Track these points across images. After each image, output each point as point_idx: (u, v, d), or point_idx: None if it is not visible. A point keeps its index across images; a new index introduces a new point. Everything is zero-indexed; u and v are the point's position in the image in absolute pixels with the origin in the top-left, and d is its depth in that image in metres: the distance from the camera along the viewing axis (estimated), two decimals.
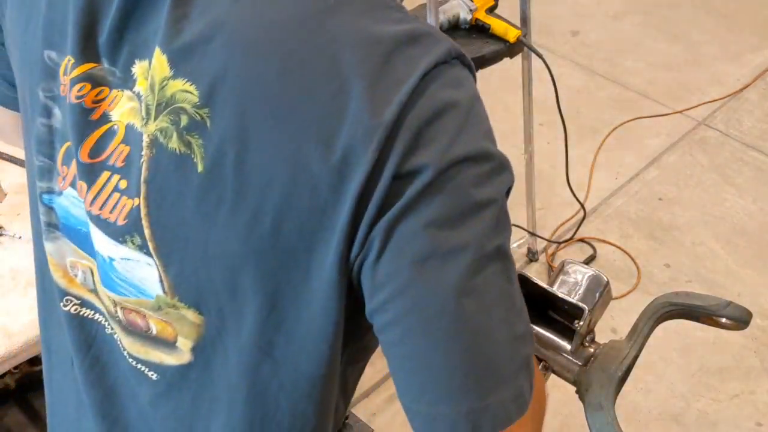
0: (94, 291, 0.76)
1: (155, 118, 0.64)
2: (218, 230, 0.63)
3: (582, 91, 3.07)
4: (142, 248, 0.67)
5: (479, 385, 0.60)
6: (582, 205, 2.42)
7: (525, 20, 1.99)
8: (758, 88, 3.08)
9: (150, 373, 0.74)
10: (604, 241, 2.46)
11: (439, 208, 0.58)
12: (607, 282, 0.84)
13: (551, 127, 2.60)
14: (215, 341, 0.68)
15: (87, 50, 0.67)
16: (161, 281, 0.67)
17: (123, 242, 0.68)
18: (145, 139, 0.65)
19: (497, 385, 0.61)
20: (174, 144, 0.63)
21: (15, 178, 1.38)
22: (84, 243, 0.74)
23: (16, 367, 1.75)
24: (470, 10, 1.93)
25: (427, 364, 0.60)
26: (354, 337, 0.69)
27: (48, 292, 0.81)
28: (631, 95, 3.05)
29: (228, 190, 0.61)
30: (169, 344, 0.71)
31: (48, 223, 0.76)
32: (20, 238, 1.26)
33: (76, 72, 0.68)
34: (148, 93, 0.64)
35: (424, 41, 0.61)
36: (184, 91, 0.62)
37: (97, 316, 0.78)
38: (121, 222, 0.67)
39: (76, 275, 0.77)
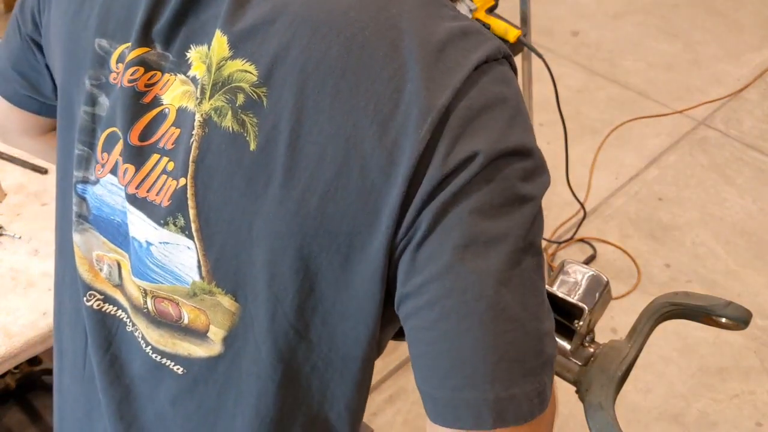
0: (119, 286, 0.76)
1: (210, 98, 0.65)
2: (265, 210, 0.64)
3: (582, 91, 3.07)
4: (185, 230, 0.67)
5: (507, 375, 0.60)
6: (582, 205, 2.42)
7: (525, 20, 1.99)
8: (758, 88, 3.08)
9: (176, 368, 0.74)
10: (604, 241, 2.46)
11: (486, 196, 0.60)
12: (607, 282, 0.84)
13: (551, 127, 2.60)
14: (247, 331, 0.69)
15: (143, 36, 0.69)
16: (199, 266, 0.68)
17: (164, 224, 0.68)
18: (198, 118, 0.66)
19: (524, 378, 0.61)
20: (228, 122, 0.64)
21: (15, 178, 1.38)
22: (115, 234, 0.74)
23: (16, 367, 1.75)
24: (470, 10, 1.93)
25: (458, 348, 0.60)
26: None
27: (70, 287, 0.81)
28: (631, 95, 3.05)
29: (279, 167, 0.62)
30: (201, 335, 0.72)
31: (79, 214, 0.76)
32: (20, 238, 1.26)
33: (130, 56, 0.69)
34: (204, 74, 0.66)
35: (476, 37, 0.63)
36: (243, 71, 0.64)
37: (119, 312, 0.78)
38: (165, 203, 0.68)
39: (101, 269, 0.77)
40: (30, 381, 1.81)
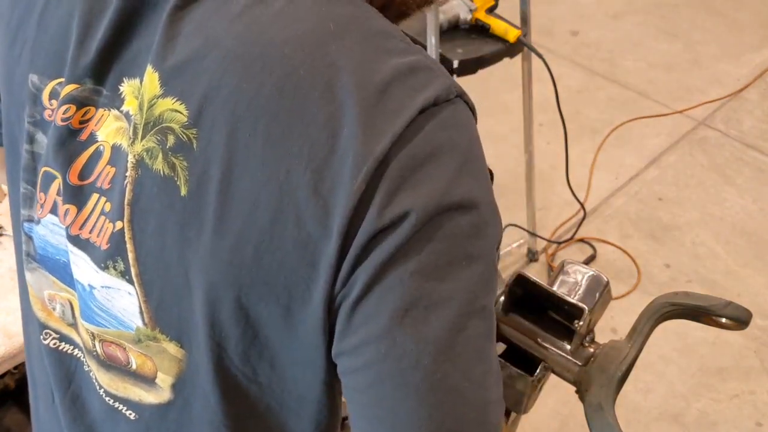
0: (73, 325, 0.73)
1: (142, 138, 0.61)
2: (198, 258, 0.60)
3: (582, 91, 3.07)
4: (125, 274, 0.64)
5: None
6: (582, 205, 2.42)
7: (525, 20, 1.99)
8: (758, 88, 3.08)
9: (128, 413, 0.71)
10: (604, 241, 2.46)
11: (430, 256, 0.55)
12: (607, 282, 0.84)
13: (551, 127, 2.60)
14: (195, 377, 0.65)
15: (73, 71, 0.65)
16: (141, 312, 0.65)
17: (105, 268, 0.65)
18: (131, 159, 0.62)
19: None
20: (159, 165, 0.60)
21: None
22: (62, 274, 0.71)
23: (15, 367, 1.75)
24: (470, 10, 1.93)
25: (393, 416, 0.57)
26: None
27: (30, 324, 0.78)
28: (631, 95, 3.05)
29: (210, 214, 0.58)
30: (149, 381, 0.68)
31: (27, 253, 0.73)
32: None
33: (63, 93, 0.66)
34: (136, 112, 0.62)
35: (425, 75, 0.58)
36: (173, 110, 0.60)
37: (75, 351, 0.75)
38: (104, 246, 0.64)
39: (54, 308, 0.74)
40: None
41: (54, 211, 0.68)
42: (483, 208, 0.57)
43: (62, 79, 0.66)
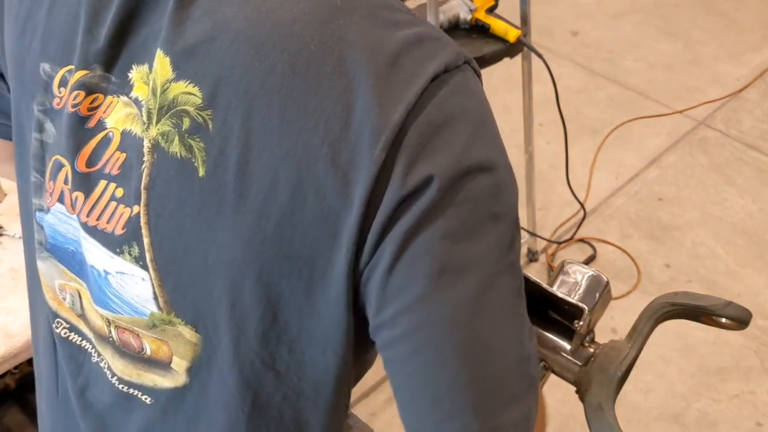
0: (82, 316, 0.74)
1: (157, 123, 0.62)
2: (219, 238, 0.61)
3: (582, 91, 3.07)
4: (139, 260, 0.65)
5: (491, 404, 0.59)
6: (582, 205, 2.42)
7: (525, 20, 1.99)
8: (758, 88, 3.08)
9: (144, 397, 0.72)
10: (604, 241, 2.46)
11: (456, 219, 0.57)
12: (607, 282, 0.84)
13: (551, 127, 2.60)
14: (211, 361, 0.66)
15: (83, 57, 0.66)
16: (155, 297, 0.65)
17: (119, 253, 0.66)
18: (147, 144, 0.63)
19: (509, 405, 0.59)
20: (175, 148, 0.61)
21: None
22: (71, 263, 0.72)
23: (16, 367, 1.75)
24: (470, 10, 1.93)
25: (438, 381, 0.59)
26: (356, 351, 0.67)
27: (40, 314, 0.79)
28: (631, 95, 3.05)
29: (229, 194, 0.59)
30: (164, 365, 0.69)
31: (39, 242, 0.74)
32: (20, 238, 1.26)
33: (72, 80, 0.66)
34: (149, 97, 0.63)
35: (433, 44, 0.59)
36: (187, 93, 0.61)
37: (84, 343, 0.76)
38: (119, 231, 0.65)
39: (64, 298, 0.75)
40: (30, 381, 1.80)
41: (61, 199, 0.69)
42: (501, 169, 0.59)
43: (71, 66, 0.67)
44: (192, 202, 0.61)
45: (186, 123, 0.61)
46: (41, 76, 0.69)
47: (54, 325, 0.77)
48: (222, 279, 0.62)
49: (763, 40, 3.33)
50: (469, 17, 1.93)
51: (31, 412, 1.79)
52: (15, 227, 1.28)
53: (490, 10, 1.96)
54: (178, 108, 0.61)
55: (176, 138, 0.61)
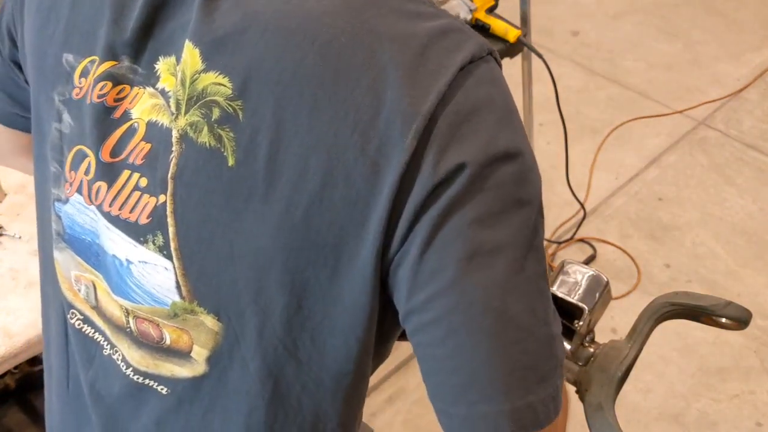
0: (96, 308, 0.75)
1: (185, 113, 0.64)
2: (247, 226, 0.62)
3: (582, 91, 3.07)
4: (163, 249, 0.66)
5: (522, 384, 0.60)
6: (582, 205, 2.42)
7: (525, 20, 1.99)
8: (758, 88, 3.08)
9: (159, 388, 0.73)
10: (604, 241, 2.46)
11: (484, 205, 0.58)
12: (607, 282, 0.84)
13: (551, 127, 2.60)
14: (233, 349, 0.67)
15: (109, 49, 0.67)
16: (178, 286, 0.66)
17: (143, 242, 0.67)
18: (175, 134, 0.64)
19: (538, 384, 0.61)
20: (204, 138, 0.62)
21: (15, 178, 1.37)
22: (87, 254, 0.73)
23: (16, 367, 1.75)
24: (470, 10, 1.93)
25: (471, 363, 0.60)
26: (376, 341, 0.68)
27: (54, 303, 0.79)
28: (631, 95, 3.05)
29: (259, 182, 0.61)
30: (184, 355, 0.70)
31: (57, 233, 0.75)
32: (20, 238, 1.26)
33: (98, 71, 0.67)
34: (177, 88, 0.64)
35: (458, 36, 0.61)
36: (217, 84, 0.62)
37: (96, 335, 0.76)
38: (143, 221, 0.66)
39: (79, 290, 0.76)
40: (30, 381, 1.81)
41: (80, 190, 0.70)
42: (526, 156, 0.61)
43: (95, 57, 0.68)
44: (220, 191, 0.62)
45: (216, 113, 0.62)
46: (64, 66, 0.70)
47: (68, 316, 0.77)
48: (248, 267, 0.63)
49: (763, 40, 3.33)
50: (469, 17, 1.93)
51: (31, 412, 1.79)
52: (15, 227, 1.28)
53: (490, 10, 1.95)
54: (208, 99, 0.62)
55: (205, 128, 0.62)
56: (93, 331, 0.77)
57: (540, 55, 1.92)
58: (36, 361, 1.80)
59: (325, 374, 0.67)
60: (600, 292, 0.84)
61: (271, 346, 0.66)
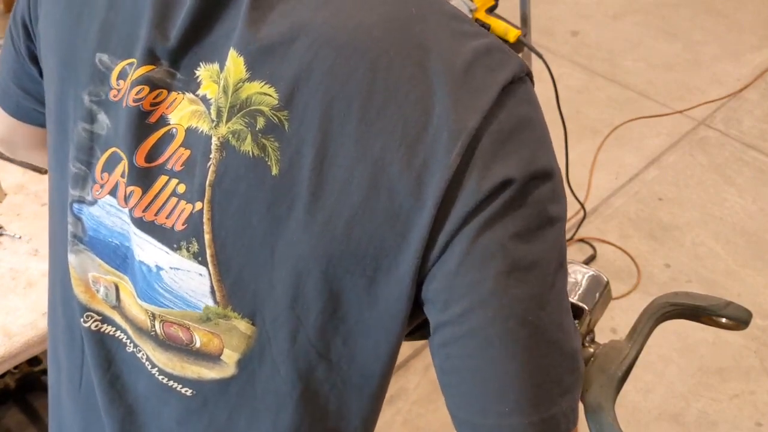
0: (116, 307, 0.75)
1: (227, 121, 0.63)
2: (288, 234, 0.62)
3: (582, 91, 3.07)
4: (198, 256, 0.66)
5: (549, 396, 0.62)
6: (582, 205, 2.43)
7: (525, 20, 1.99)
8: (758, 88, 3.08)
9: (183, 390, 0.73)
10: (604, 241, 2.46)
11: (523, 220, 0.60)
12: (607, 282, 0.84)
13: (551, 127, 2.58)
14: (264, 352, 0.68)
15: (148, 53, 0.66)
16: (213, 291, 0.66)
17: (177, 249, 0.66)
18: (215, 141, 0.64)
19: (562, 396, 0.62)
20: (248, 147, 0.62)
21: (15, 178, 1.37)
22: (112, 256, 0.72)
23: (16, 367, 1.75)
24: (470, 10, 1.93)
25: (504, 376, 0.61)
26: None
27: (63, 304, 0.79)
28: (631, 95, 3.05)
29: (303, 191, 0.61)
30: (213, 357, 0.70)
31: (74, 235, 0.74)
32: (20, 238, 1.26)
33: (136, 74, 0.67)
34: (219, 95, 0.64)
35: (500, 56, 0.62)
36: (262, 94, 0.62)
37: (118, 333, 0.76)
38: (179, 227, 0.66)
39: (97, 290, 0.75)
40: (30, 381, 1.81)
41: (114, 192, 0.69)
42: (557, 175, 0.63)
43: (133, 60, 0.67)
44: (261, 199, 0.62)
45: (260, 123, 0.62)
46: (98, 66, 0.69)
47: (83, 320, 0.77)
48: (287, 274, 0.64)
49: (763, 40, 3.33)
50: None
51: (31, 412, 1.79)
52: (15, 227, 1.28)
53: (490, 10, 1.95)
54: (252, 108, 0.62)
55: (249, 137, 0.62)
56: (114, 329, 0.76)
57: (540, 55, 1.92)
58: (36, 361, 1.81)
59: (353, 373, 0.68)
60: (600, 292, 0.84)
61: (302, 350, 0.66)
